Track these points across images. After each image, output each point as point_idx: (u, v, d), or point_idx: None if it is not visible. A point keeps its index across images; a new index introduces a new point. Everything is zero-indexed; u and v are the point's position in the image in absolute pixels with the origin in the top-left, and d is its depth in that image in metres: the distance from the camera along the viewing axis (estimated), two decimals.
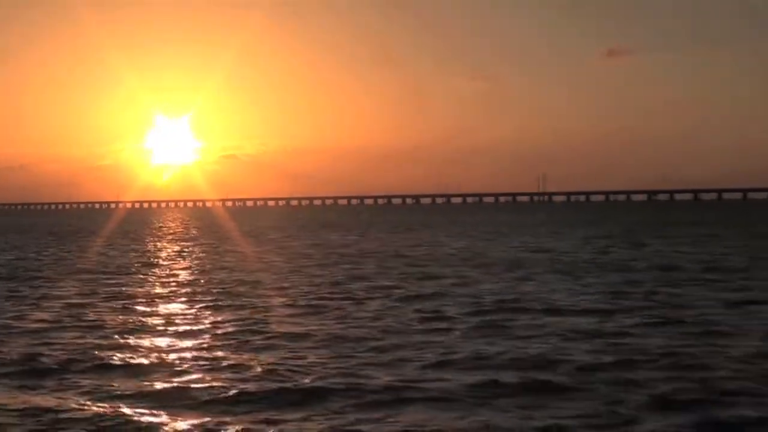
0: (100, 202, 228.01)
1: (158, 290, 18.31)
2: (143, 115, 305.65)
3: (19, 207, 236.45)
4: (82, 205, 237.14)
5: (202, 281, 20.07)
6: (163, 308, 15.01)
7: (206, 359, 9.89)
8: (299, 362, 9.62)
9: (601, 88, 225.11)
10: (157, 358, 10.17)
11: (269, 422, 7.15)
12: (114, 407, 7.65)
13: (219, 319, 13.40)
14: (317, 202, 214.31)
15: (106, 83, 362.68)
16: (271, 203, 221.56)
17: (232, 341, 11.14)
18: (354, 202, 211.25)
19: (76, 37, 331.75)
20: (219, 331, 12.06)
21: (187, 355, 10.27)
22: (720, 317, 12.86)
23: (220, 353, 10.23)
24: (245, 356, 10.01)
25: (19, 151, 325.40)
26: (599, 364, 9.32)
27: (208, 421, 7.21)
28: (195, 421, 7.25)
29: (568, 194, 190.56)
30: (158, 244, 40.52)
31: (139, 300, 16.23)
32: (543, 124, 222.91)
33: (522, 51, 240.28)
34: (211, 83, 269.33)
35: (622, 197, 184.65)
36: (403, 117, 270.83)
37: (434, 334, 11.58)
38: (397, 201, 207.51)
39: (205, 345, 10.95)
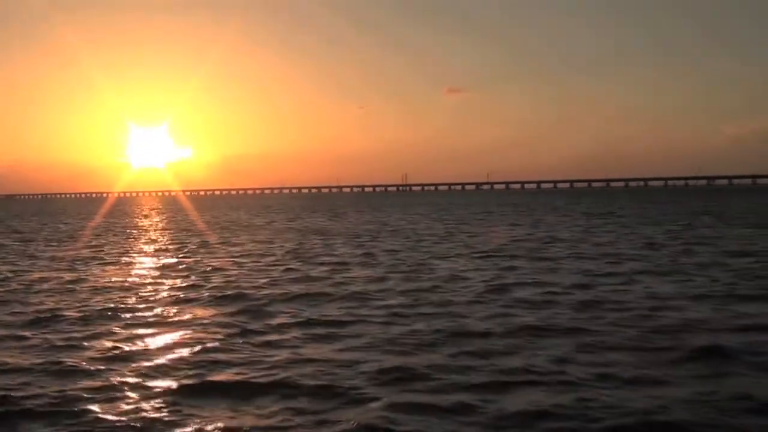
0: (96, 192, 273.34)
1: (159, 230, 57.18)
2: (124, 128, 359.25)
3: (39, 197, 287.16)
4: (82, 195, 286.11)
5: (170, 226, 58.95)
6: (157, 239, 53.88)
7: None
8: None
9: (444, 114, 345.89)
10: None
11: None
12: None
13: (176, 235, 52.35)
14: (250, 192, 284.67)
15: (96, 103, 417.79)
16: (217, 192, 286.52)
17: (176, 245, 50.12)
18: (275, 191, 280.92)
19: (66, 62, 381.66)
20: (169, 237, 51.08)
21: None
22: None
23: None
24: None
25: (32, 155, 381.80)
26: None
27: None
28: None
29: (423, 185, 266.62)
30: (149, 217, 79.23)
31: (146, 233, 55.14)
32: (405, 138, 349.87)
33: (391, 89, 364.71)
34: (180, 102, 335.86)
35: (458, 187, 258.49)
36: (309, 131, 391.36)
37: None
38: (305, 191, 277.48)
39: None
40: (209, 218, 63.52)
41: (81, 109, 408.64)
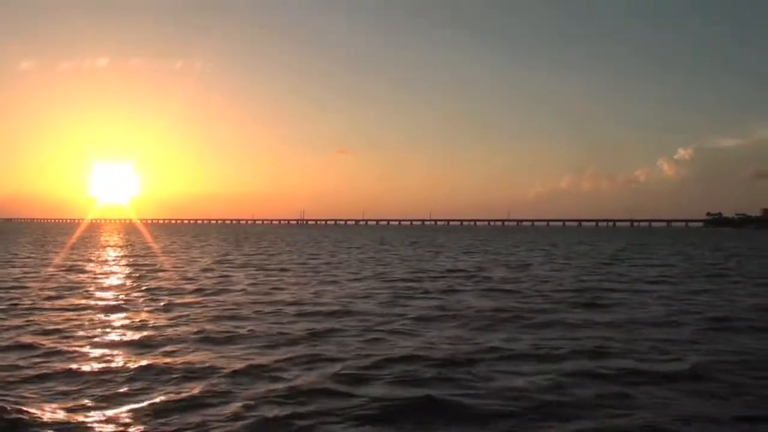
0: (71, 219, 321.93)
1: (117, 241, 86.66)
2: (93, 169, 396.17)
3: (30, 221, 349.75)
4: (59, 220, 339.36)
5: (128, 240, 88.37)
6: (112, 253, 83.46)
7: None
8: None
9: (334, 170, 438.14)
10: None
11: None
12: None
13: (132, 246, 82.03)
14: (199, 222, 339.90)
15: (63, 148, 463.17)
16: (171, 221, 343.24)
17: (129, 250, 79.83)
18: (228, 223, 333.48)
19: (40, 111, 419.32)
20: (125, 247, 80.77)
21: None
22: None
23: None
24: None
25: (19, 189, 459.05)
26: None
27: None
28: None
29: (317, 220, 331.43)
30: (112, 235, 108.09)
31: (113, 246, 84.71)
32: (300, 185, 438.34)
33: (298, 149, 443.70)
34: (142, 145, 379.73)
35: (351, 222, 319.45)
36: (251, 176, 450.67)
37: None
38: (227, 222, 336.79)
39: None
40: (161, 240, 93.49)
41: (66, 157, 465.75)
